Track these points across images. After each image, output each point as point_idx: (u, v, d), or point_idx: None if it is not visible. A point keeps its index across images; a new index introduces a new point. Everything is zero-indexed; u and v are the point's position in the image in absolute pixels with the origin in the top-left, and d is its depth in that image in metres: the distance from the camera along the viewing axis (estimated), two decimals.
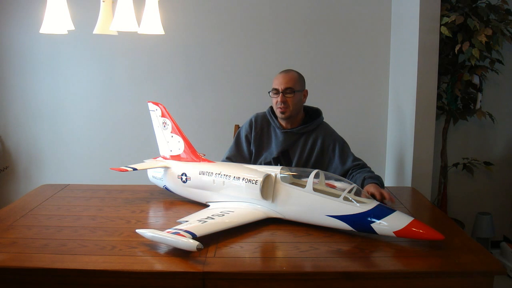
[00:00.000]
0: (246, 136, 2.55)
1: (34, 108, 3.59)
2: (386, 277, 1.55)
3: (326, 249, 1.69)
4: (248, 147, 2.54)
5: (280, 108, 2.43)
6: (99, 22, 2.15)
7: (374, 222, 1.69)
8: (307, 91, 2.51)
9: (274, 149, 2.48)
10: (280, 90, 2.42)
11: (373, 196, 1.99)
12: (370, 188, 2.09)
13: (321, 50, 3.51)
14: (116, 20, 1.95)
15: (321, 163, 2.44)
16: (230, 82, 3.54)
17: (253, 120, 2.56)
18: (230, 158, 2.52)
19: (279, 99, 2.42)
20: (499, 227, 3.55)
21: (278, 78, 2.46)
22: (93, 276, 1.53)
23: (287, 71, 2.48)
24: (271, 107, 2.56)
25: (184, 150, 2.24)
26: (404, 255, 1.64)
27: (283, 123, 2.50)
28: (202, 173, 2.09)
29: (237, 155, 2.52)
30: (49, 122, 3.61)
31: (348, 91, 3.55)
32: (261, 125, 2.55)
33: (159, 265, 1.57)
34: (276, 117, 2.52)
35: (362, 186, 2.18)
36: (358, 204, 1.74)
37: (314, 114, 2.54)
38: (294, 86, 2.42)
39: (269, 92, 2.48)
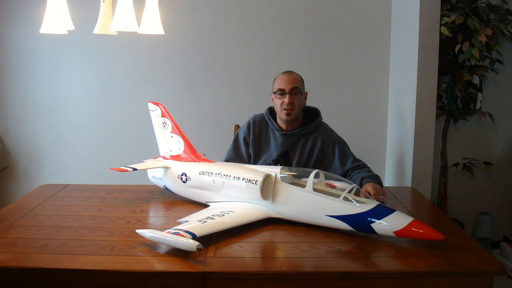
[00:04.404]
0: (245, 139, 2.53)
1: (34, 108, 3.59)
2: (386, 277, 1.55)
3: (326, 249, 1.69)
4: (246, 150, 2.52)
5: (286, 109, 2.38)
6: (99, 22, 2.15)
7: (374, 222, 1.69)
8: (307, 93, 2.50)
9: (273, 152, 2.47)
10: (287, 91, 2.38)
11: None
12: (368, 187, 2.09)
13: (321, 50, 3.51)
14: (116, 20, 1.95)
15: (321, 164, 2.42)
16: (230, 82, 3.54)
17: (251, 122, 2.54)
18: (229, 161, 2.51)
19: (286, 100, 2.37)
20: (499, 227, 3.55)
21: (282, 78, 2.42)
22: (93, 276, 1.53)
23: (290, 72, 2.45)
24: (269, 109, 2.54)
25: (184, 150, 2.24)
26: (404, 255, 1.64)
27: (282, 125, 2.49)
28: (202, 173, 2.09)
29: (236, 158, 2.51)
30: (49, 122, 3.61)
31: (348, 91, 3.55)
32: (259, 127, 2.52)
33: (159, 265, 1.56)
34: (274, 119, 2.51)
35: (361, 185, 2.17)
36: (358, 204, 1.74)
37: (312, 114, 2.53)
38: (300, 87, 2.41)
39: (271, 94, 2.47)
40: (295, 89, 2.38)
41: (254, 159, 2.51)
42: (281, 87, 2.40)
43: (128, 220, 1.96)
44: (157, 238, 1.65)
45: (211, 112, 3.56)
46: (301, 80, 2.45)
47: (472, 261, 1.58)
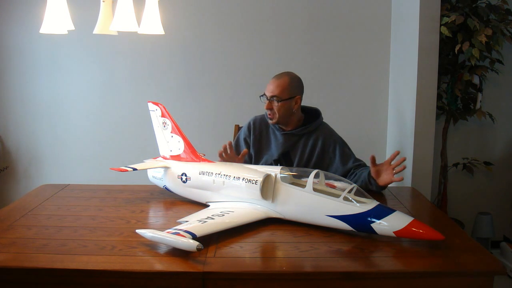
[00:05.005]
0: (245, 140, 2.55)
1: (34, 108, 3.59)
2: (386, 277, 1.55)
3: (326, 249, 1.69)
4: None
5: (267, 114, 2.45)
6: (99, 22, 2.16)
7: (374, 222, 1.69)
8: (299, 98, 2.45)
9: (274, 151, 2.48)
10: (267, 98, 2.42)
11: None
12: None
13: (321, 50, 3.51)
14: (116, 20, 1.95)
15: (322, 164, 2.43)
16: (230, 82, 3.54)
17: (251, 123, 2.56)
18: None
19: (265, 106, 2.43)
20: (499, 227, 3.55)
21: (269, 83, 2.45)
22: (93, 276, 1.53)
23: (279, 76, 2.44)
24: None
25: (184, 150, 2.24)
26: (404, 255, 1.64)
27: (281, 125, 2.50)
28: (202, 173, 2.09)
29: None
30: (49, 122, 3.61)
31: (348, 91, 3.55)
32: (259, 128, 2.54)
33: (159, 265, 1.56)
34: None
35: (368, 176, 2.23)
36: (358, 204, 1.74)
37: (313, 114, 2.53)
38: (281, 94, 2.39)
39: (260, 97, 2.48)
40: (274, 97, 2.40)
41: (255, 160, 2.52)
42: (265, 91, 2.44)
43: (128, 220, 1.96)
44: (157, 238, 1.65)
45: (211, 112, 3.56)
46: (288, 85, 2.40)
47: (472, 261, 1.58)
